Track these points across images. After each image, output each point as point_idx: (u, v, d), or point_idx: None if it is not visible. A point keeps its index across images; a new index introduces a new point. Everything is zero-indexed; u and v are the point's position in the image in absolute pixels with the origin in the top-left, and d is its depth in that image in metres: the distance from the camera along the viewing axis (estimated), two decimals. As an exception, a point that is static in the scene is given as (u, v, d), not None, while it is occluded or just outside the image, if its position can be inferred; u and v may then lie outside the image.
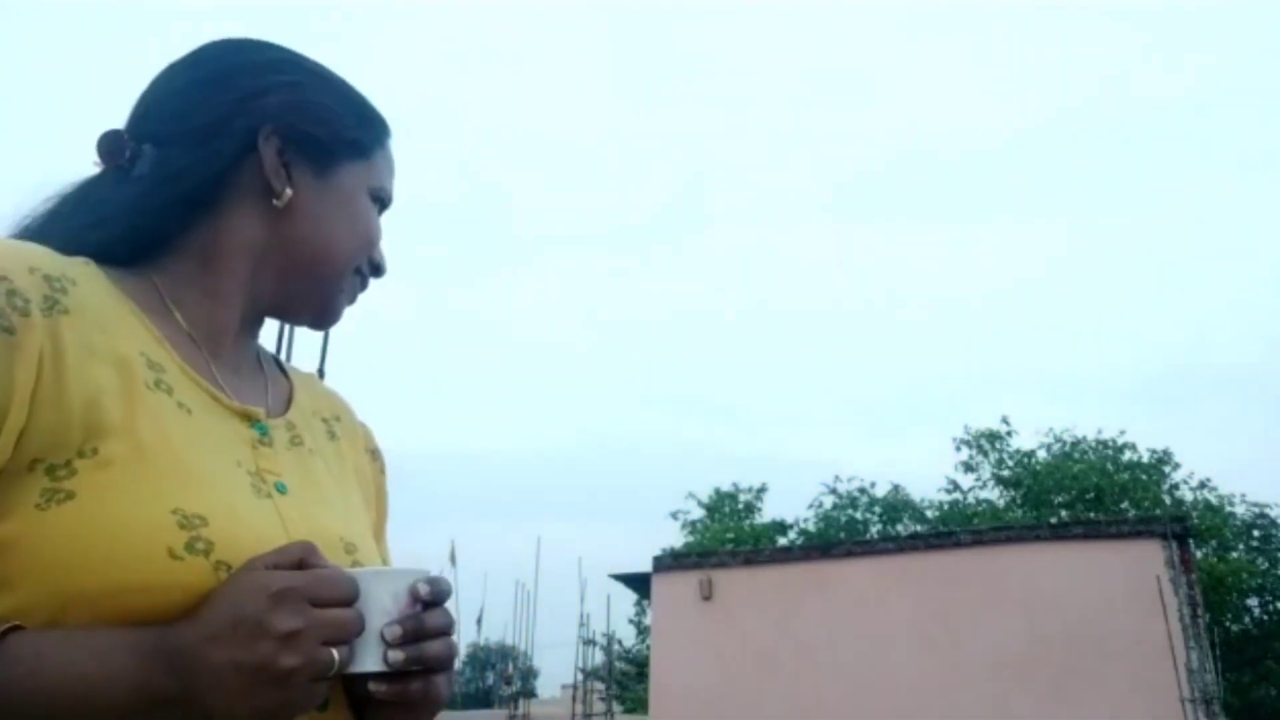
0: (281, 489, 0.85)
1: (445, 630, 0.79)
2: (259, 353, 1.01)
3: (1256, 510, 21.49)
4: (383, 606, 0.76)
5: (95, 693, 0.67)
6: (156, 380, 0.80)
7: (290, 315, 0.99)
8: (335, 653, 0.71)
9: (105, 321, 0.80)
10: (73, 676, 0.67)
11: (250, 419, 0.88)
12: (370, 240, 0.97)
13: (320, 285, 0.95)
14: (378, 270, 1.00)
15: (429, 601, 0.78)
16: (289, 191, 0.90)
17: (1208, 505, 21.47)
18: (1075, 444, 24.05)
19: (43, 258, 0.79)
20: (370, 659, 0.75)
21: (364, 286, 1.01)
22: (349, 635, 0.73)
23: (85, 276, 0.81)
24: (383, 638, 0.75)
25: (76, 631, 0.69)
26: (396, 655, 0.74)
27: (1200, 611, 10.36)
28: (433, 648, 0.77)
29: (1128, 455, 23.39)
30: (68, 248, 0.83)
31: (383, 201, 1.00)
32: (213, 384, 0.86)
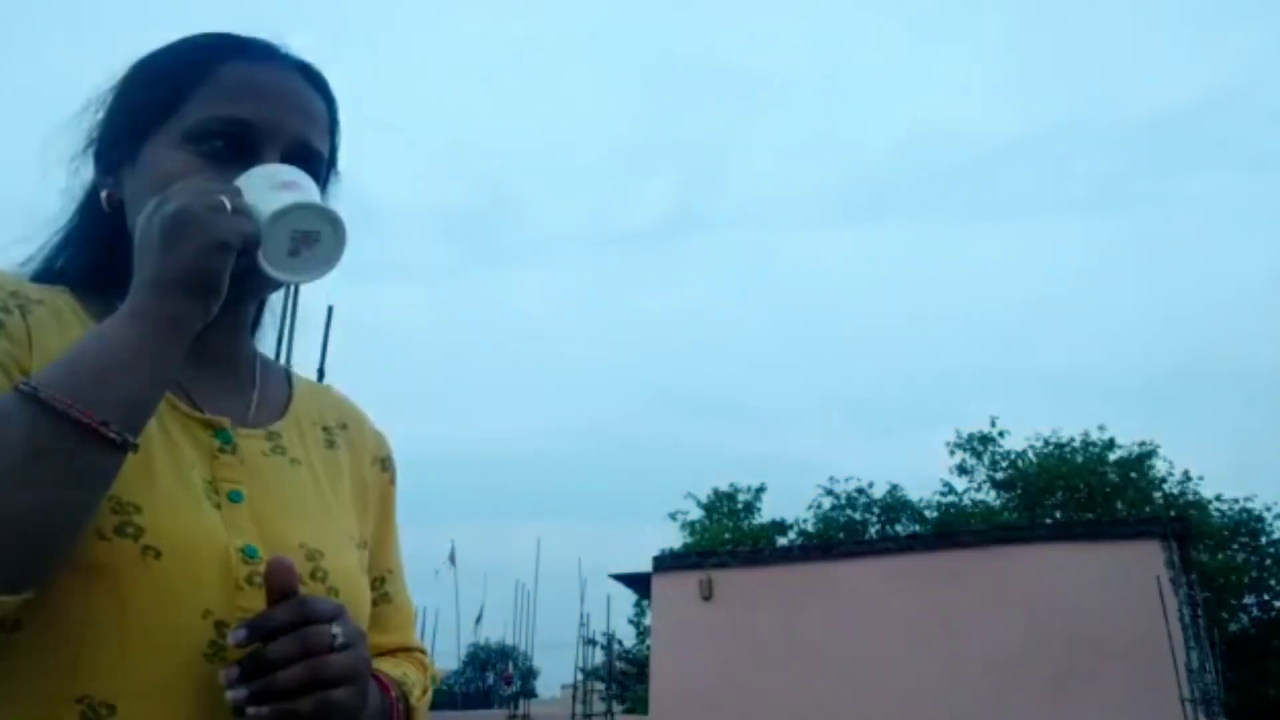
0: (235, 498, 0.85)
1: (296, 656, 0.75)
2: (258, 363, 1.01)
3: (1239, 506, 21.44)
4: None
5: (108, 350, 0.73)
6: None
7: None
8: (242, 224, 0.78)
9: (63, 339, 0.84)
10: (78, 353, 0.73)
11: (213, 428, 0.89)
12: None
13: None
14: None
15: (285, 629, 0.76)
16: (104, 193, 0.93)
17: (1190, 503, 21.37)
18: (1062, 445, 24.00)
19: (11, 282, 0.87)
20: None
21: None
22: None
23: (52, 301, 0.88)
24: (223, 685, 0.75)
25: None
26: (238, 694, 0.74)
27: (1200, 611, 10.36)
28: (285, 675, 0.75)
29: (1114, 454, 23.35)
30: (54, 280, 0.92)
31: (233, 127, 0.89)
32: (173, 392, 0.88)
